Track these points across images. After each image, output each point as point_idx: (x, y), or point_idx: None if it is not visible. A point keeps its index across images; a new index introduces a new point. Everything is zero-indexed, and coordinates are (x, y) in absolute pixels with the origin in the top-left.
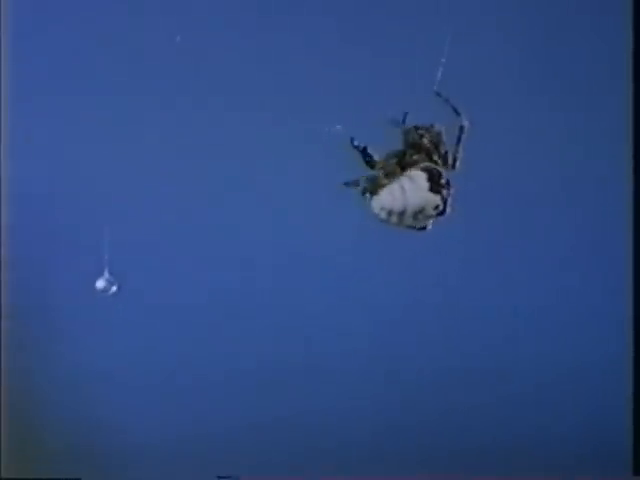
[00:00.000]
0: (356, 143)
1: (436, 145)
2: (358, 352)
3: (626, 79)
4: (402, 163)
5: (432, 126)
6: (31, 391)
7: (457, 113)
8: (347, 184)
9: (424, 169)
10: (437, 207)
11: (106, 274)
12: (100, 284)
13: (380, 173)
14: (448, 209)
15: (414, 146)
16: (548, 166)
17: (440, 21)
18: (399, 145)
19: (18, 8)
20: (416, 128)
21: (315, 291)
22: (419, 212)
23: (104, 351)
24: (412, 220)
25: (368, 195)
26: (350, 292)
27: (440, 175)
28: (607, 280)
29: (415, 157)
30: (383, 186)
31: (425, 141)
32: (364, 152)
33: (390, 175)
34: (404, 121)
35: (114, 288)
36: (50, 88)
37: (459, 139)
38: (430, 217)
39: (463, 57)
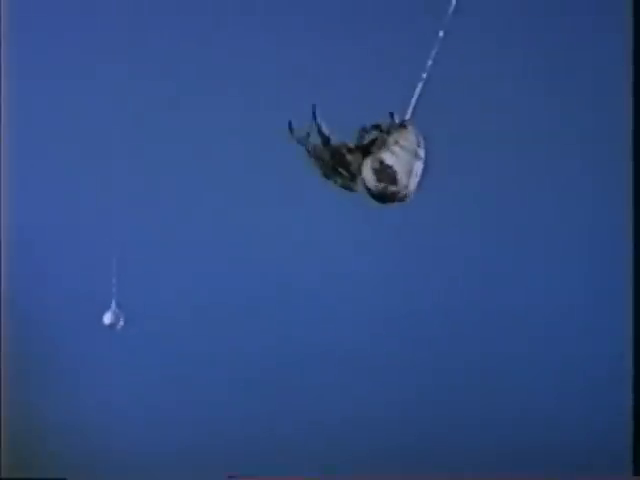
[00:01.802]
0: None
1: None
2: (358, 354)
3: (626, 79)
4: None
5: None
6: (31, 412)
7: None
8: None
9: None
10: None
11: (113, 307)
12: (108, 318)
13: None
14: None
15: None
16: (548, 167)
17: (443, 23)
18: None
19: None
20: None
21: (316, 300)
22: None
23: (105, 380)
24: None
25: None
26: (348, 291)
27: None
28: (607, 281)
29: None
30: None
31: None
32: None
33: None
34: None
35: (121, 322)
36: (55, 119)
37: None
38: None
39: (464, 58)
